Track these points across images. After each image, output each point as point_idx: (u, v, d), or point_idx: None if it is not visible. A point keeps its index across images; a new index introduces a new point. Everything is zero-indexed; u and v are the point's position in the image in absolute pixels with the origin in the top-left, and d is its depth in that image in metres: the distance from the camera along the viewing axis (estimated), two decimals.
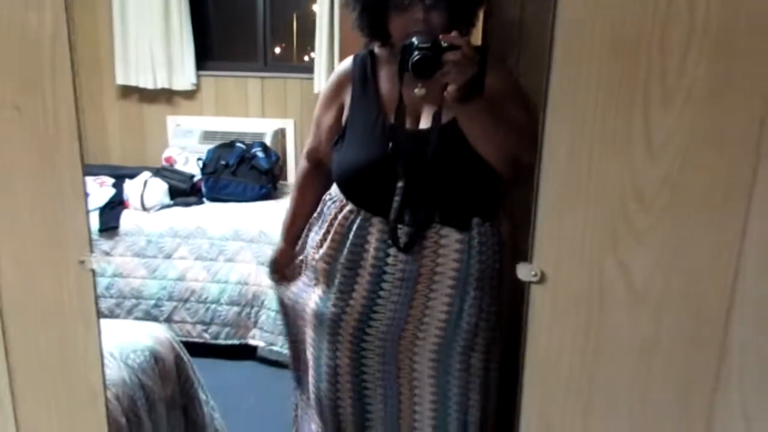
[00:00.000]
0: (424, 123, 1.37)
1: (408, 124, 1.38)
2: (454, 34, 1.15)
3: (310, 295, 1.52)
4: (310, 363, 1.55)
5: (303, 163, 1.65)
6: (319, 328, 1.49)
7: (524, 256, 0.92)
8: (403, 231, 1.36)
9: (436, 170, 1.31)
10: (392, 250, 1.37)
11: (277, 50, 4.08)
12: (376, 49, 1.46)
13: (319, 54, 3.62)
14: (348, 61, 1.50)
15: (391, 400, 1.49)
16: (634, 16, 0.82)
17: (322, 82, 3.59)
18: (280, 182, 3.54)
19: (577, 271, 0.91)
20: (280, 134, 3.75)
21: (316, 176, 1.62)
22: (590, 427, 0.96)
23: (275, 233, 2.84)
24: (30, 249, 0.95)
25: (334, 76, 1.53)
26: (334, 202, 1.48)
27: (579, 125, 0.85)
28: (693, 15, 0.80)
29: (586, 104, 0.84)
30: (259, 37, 3.89)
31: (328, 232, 1.46)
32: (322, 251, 1.46)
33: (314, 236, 1.53)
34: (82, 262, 0.93)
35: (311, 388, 1.56)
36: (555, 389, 0.95)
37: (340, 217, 1.44)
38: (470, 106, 1.21)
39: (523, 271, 0.91)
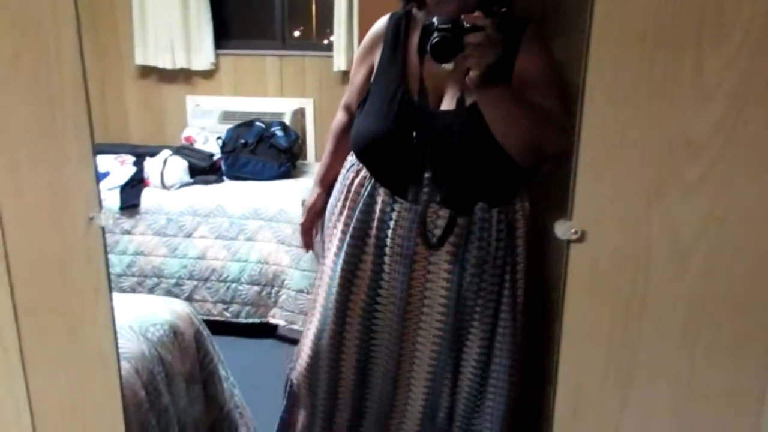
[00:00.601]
0: (447, 103, 1.29)
1: (429, 103, 1.28)
2: (477, 13, 1.05)
3: (328, 256, 1.48)
4: (316, 323, 1.50)
5: (339, 114, 1.60)
6: (331, 291, 1.44)
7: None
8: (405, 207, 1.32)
9: (456, 156, 1.24)
10: (392, 223, 1.33)
11: (297, 30, 4.03)
12: (414, 11, 1.37)
13: (338, 32, 3.56)
14: (384, 19, 1.42)
15: (388, 376, 1.44)
16: None
17: (341, 61, 3.53)
18: (300, 161, 3.51)
19: (620, 228, 0.84)
20: (299, 114, 3.70)
21: (350, 129, 1.52)
22: (630, 401, 0.89)
23: (295, 212, 2.82)
24: (33, 206, 0.90)
25: (369, 33, 1.45)
26: (352, 166, 1.43)
27: (622, 64, 0.78)
28: None
29: (634, 34, 0.76)
30: (277, 16, 3.83)
31: (346, 198, 1.41)
32: (340, 217, 1.42)
33: (333, 201, 1.48)
34: (92, 218, 0.88)
35: (311, 347, 1.51)
36: (593, 358, 0.88)
37: (356, 183, 1.39)
38: (492, 92, 1.11)
39: (562, 229, 0.84)
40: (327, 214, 1.53)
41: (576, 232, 0.84)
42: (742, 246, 0.81)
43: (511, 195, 1.32)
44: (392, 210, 1.33)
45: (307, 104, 3.72)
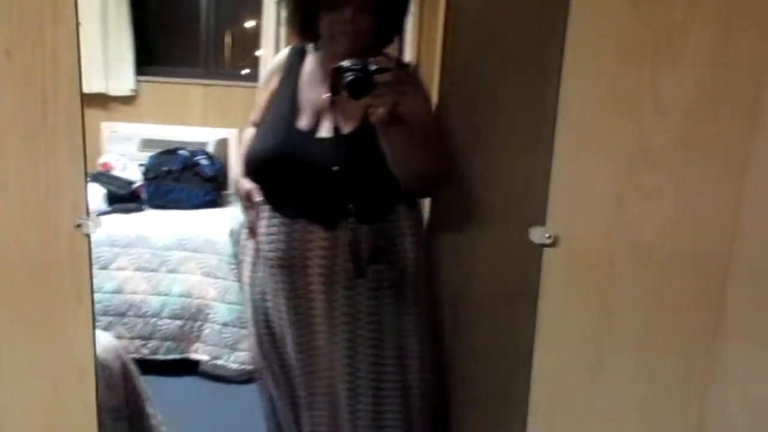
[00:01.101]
0: (324, 131, 1.42)
1: (309, 127, 1.43)
2: (380, 58, 1.21)
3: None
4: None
5: (249, 129, 1.65)
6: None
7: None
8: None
9: (330, 178, 1.37)
10: (273, 237, 1.45)
11: (222, 58, 4.02)
12: (309, 46, 1.52)
13: (264, 62, 3.61)
14: (285, 50, 1.57)
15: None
16: None
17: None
18: (224, 192, 3.46)
19: (588, 232, 0.93)
20: (222, 144, 3.66)
21: None
22: (599, 387, 0.98)
23: (222, 242, 2.78)
24: (19, 206, 0.87)
25: (273, 61, 1.59)
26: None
27: (592, 83, 0.88)
28: None
29: (598, 62, 0.88)
30: (202, 44, 3.82)
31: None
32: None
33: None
34: (79, 226, 0.86)
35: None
36: (566, 351, 0.97)
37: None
38: (395, 127, 1.24)
39: (536, 234, 0.92)
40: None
41: (549, 237, 0.92)
42: (696, 248, 0.93)
43: (385, 212, 1.42)
44: (273, 226, 1.45)
45: (231, 134, 3.70)
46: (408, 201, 1.47)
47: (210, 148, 3.50)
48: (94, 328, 0.91)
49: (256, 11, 3.76)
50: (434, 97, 1.74)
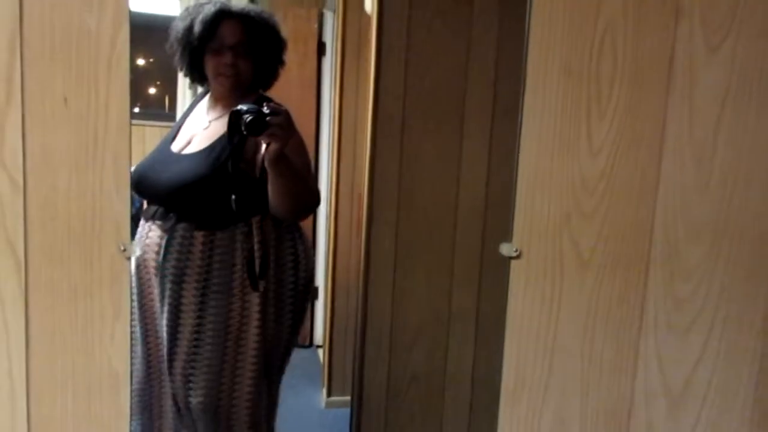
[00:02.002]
0: (192, 148, 1.66)
1: (180, 149, 1.67)
2: (272, 104, 1.48)
3: None
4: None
5: None
6: None
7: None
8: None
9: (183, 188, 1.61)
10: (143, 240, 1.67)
11: (138, 100, 4.02)
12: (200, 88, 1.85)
13: (182, 101, 3.66)
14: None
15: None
16: (579, 54, 1.13)
17: None
18: None
19: (543, 246, 1.17)
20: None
21: None
22: (553, 369, 1.21)
23: None
24: (65, 233, 0.96)
25: None
26: None
27: (543, 131, 1.13)
28: (616, 52, 1.14)
29: (548, 116, 1.13)
30: None
31: None
32: None
33: None
34: (123, 250, 0.97)
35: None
36: (528, 341, 1.19)
37: None
38: (282, 162, 1.48)
39: (506, 249, 1.15)
40: None
41: (516, 251, 1.15)
42: (620, 257, 1.20)
43: (226, 222, 1.63)
44: (146, 230, 1.66)
45: None
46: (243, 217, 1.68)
47: None
48: (130, 341, 1.01)
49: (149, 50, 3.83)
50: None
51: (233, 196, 1.53)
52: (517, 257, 1.16)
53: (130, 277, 1.00)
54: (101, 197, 0.96)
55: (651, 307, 1.22)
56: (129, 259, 0.98)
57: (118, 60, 0.94)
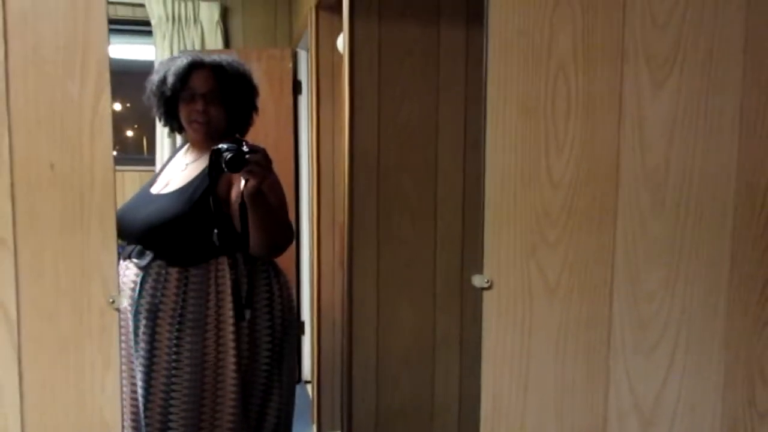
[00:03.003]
0: (169, 189, 1.74)
1: (158, 191, 1.75)
2: (251, 143, 1.55)
3: None
4: None
5: None
6: None
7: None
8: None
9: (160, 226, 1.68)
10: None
11: (116, 144, 4.07)
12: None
13: (161, 144, 3.72)
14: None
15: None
16: (535, 92, 1.22)
17: None
18: None
19: (512, 276, 1.23)
20: None
21: None
22: (529, 396, 1.26)
23: None
24: (53, 290, 1.00)
25: None
26: None
27: (506, 167, 1.21)
28: (569, 90, 1.23)
29: (509, 152, 1.21)
30: None
31: None
32: None
33: None
34: (112, 301, 1.02)
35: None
36: (503, 367, 1.24)
37: None
38: (259, 198, 1.55)
39: (478, 280, 1.21)
40: None
41: (487, 282, 1.22)
42: (585, 282, 1.26)
43: (200, 258, 1.69)
44: (123, 269, 1.71)
45: None
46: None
47: None
48: (121, 390, 1.05)
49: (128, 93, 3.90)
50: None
51: (216, 231, 1.58)
52: (489, 288, 1.22)
53: (119, 327, 1.04)
54: (89, 254, 1.01)
55: (617, 329, 1.29)
56: (118, 310, 1.02)
57: (100, 125, 1.00)
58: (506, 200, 1.22)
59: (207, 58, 1.77)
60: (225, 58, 1.80)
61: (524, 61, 1.20)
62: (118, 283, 1.02)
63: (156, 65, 3.71)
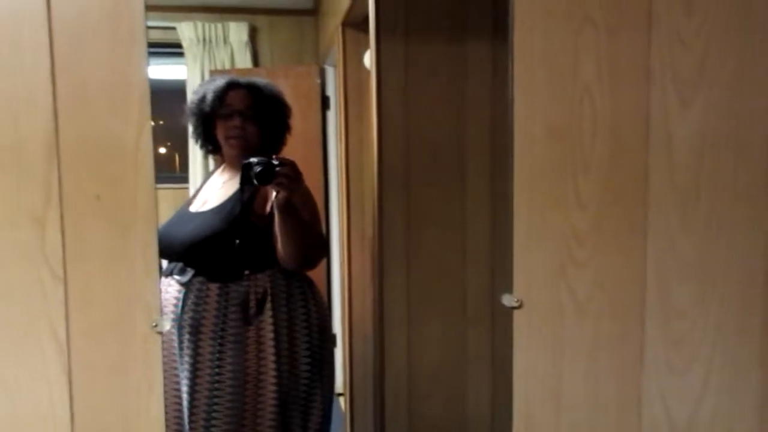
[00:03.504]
0: (207, 206, 1.81)
1: (196, 209, 1.82)
2: (280, 157, 1.61)
3: None
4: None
5: None
6: None
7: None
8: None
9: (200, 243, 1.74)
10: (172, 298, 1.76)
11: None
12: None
13: (194, 164, 3.81)
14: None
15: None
16: (560, 114, 1.23)
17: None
18: None
19: (542, 295, 1.25)
20: None
21: None
22: (561, 415, 1.27)
23: None
24: (100, 317, 1.05)
25: None
26: None
27: (533, 188, 1.23)
28: (595, 111, 1.24)
29: (537, 174, 1.22)
30: None
31: None
32: None
33: None
34: (155, 326, 1.06)
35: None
36: (535, 391, 1.25)
37: None
38: (290, 210, 1.60)
39: (507, 300, 1.23)
40: None
41: (517, 301, 1.23)
42: (616, 301, 1.27)
43: (239, 274, 1.73)
44: (165, 286, 1.76)
45: None
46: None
47: None
48: (163, 410, 1.09)
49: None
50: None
51: (237, 241, 1.62)
52: (519, 307, 1.23)
53: (161, 350, 1.08)
54: (133, 281, 1.06)
55: (650, 348, 1.29)
56: (160, 333, 1.07)
57: (142, 159, 1.05)
58: (535, 221, 1.23)
59: (243, 80, 1.85)
60: (259, 80, 1.90)
61: (549, 84, 1.22)
62: (160, 307, 1.07)
63: (187, 85, 3.82)
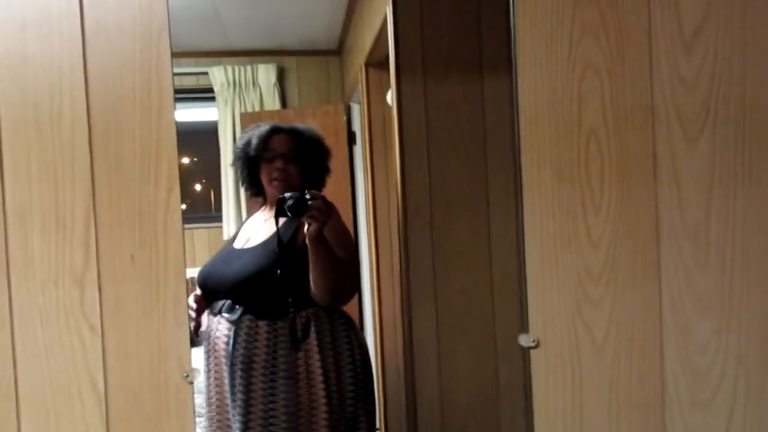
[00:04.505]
0: (251, 244, 1.86)
1: (241, 246, 1.87)
2: (313, 191, 1.67)
3: None
4: None
5: None
6: None
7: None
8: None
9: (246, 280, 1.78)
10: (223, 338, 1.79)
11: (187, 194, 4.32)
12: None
13: (227, 203, 3.93)
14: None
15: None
16: (568, 158, 1.27)
17: (231, 229, 3.84)
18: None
19: (558, 333, 1.27)
20: (189, 283, 3.86)
21: None
22: None
23: None
24: (136, 369, 1.12)
25: None
26: None
27: (545, 230, 1.26)
28: (601, 153, 1.27)
29: (547, 215, 1.26)
30: None
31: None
32: None
33: None
34: (186, 376, 1.13)
35: None
36: (555, 428, 1.27)
37: None
38: (322, 243, 1.65)
39: (524, 340, 1.26)
40: None
41: (534, 341, 1.26)
42: (633, 337, 1.29)
43: (286, 312, 1.76)
44: (215, 324, 1.79)
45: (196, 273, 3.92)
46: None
47: None
48: None
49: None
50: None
51: (278, 271, 1.70)
52: (536, 347, 1.26)
53: (193, 398, 1.14)
54: (165, 333, 1.13)
55: (671, 383, 1.29)
56: (192, 383, 1.13)
57: (172, 217, 1.13)
58: (547, 261, 1.27)
59: (285, 125, 1.99)
60: (300, 125, 2.02)
61: (555, 129, 1.26)
62: (191, 358, 1.13)
63: (219, 126, 3.97)
